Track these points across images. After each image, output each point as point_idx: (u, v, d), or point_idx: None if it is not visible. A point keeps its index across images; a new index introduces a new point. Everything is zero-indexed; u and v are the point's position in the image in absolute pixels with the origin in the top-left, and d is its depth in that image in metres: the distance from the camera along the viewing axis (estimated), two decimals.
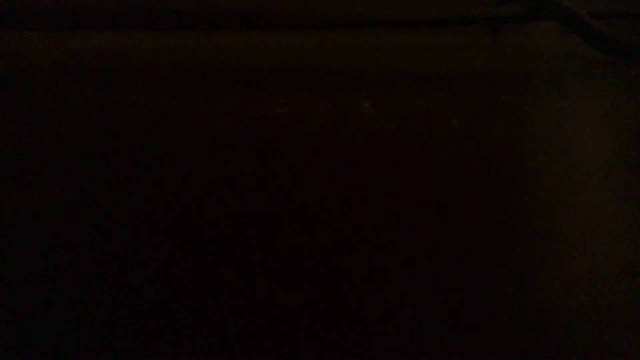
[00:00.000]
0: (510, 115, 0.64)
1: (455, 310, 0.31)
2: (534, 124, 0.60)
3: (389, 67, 0.90)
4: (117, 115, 0.63)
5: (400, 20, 0.97)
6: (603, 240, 0.38)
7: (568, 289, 0.33)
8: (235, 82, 0.79)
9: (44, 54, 0.98)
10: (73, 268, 0.35)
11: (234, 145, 0.54)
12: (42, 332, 0.29)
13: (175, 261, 0.36)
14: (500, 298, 0.32)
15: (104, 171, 0.49)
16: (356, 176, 0.48)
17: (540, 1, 0.96)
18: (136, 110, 0.65)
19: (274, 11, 0.94)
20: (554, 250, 0.37)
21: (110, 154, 0.53)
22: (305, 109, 0.65)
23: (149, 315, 0.31)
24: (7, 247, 0.38)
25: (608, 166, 0.50)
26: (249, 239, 0.38)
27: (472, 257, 0.36)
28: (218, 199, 0.44)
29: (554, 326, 0.30)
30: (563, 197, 0.44)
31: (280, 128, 0.59)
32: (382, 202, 0.43)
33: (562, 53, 1.00)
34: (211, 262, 0.35)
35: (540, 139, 0.55)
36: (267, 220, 0.40)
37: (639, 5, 1.06)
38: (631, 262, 0.35)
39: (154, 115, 0.63)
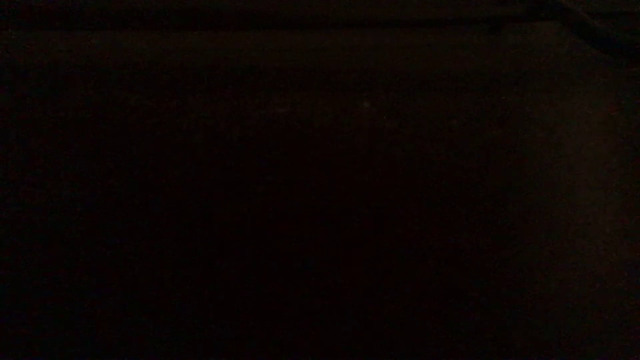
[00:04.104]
0: (510, 115, 0.64)
1: (455, 310, 0.31)
2: (534, 124, 0.61)
3: (389, 67, 0.90)
4: (117, 115, 0.63)
5: (400, 20, 0.97)
6: (603, 240, 0.38)
7: (568, 288, 0.33)
8: (235, 82, 0.79)
9: (44, 54, 0.98)
10: (72, 268, 0.35)
11: (233, 146, 0.54)
12: (42, 332, 0.29)
13: (176, 262, 0.36)
14: (500, 298, 0.32)
15: (103, 171, 0.49)
16: (356, 176, 0.48)
17: (540, 1, 0.96)
18: (136, 110, 0.65)
19: (274, 11, 0.94)
20: (554, 250, 0.37)
21: (110, 154, 0.53)
22: (305, 109, 0.65)
23: (149, 315, 0.31)
24: (7, 246, 0.38)
25: (608, 166, 0.50)
26: (249, 238, 0.38)
27: (472, 256, 0.36)
28: (218, 199, 0.44)
29: (553, 326, 0.30)
30: (563, 197, 0.44)
31: (280, 128, 0.59)
32: (382, 202, 0.43)
33: (562, 53, 1.00)
34: (212, 263, 0.35)
35: (540, 139, 0.55)
36: (267, 220, 0.40)
37: (639, 5, 1.06)
38: (631, 262, 0.35)
39: (154, 115, 0.63)
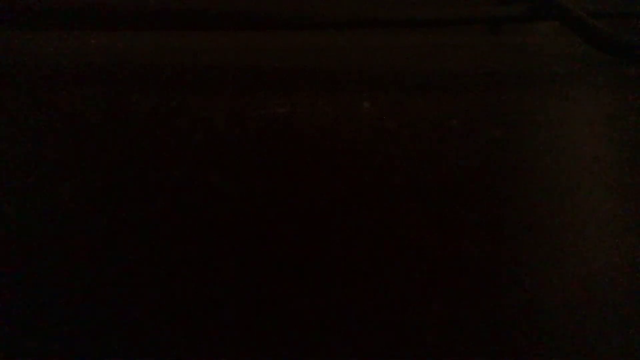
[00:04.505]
0: (510, 115, 0.64)
1: (456, 310, 0.31)
2: (534, 124, 0.61)
3: (389, 67, 0.90)
4: (117, 115, 0.64)
5: (400, 20, 0.97)
6: (603, 241, 0.38)
7: (568, 289, 0.33)
8: (235, 82, 0.79)
9: (44, 54, 0.98)
10: (72, 268, 0.35)
11: (233, 145, 0.54)
12: (42, 332, 0.29)
13: (175, 262, 0.36)
14: (500, 298, 0.32)
15: (103, 171, 0.49)
16: (356, 176, 0.48)
17: (540, 1, 0.96)
18: (136, 110, 0.65)
19: (274, 11, 0.94)
20: (554, 250, 0.37)
21: (110, 153, 0.53)
22: (305, 109, 0.65)
23: (150, 316, 0.31)
24: (7, 247, 0.38)
25: (608, 166, 0.50)
26: (248, 239, 0.38)
27: (472, 257, 0.36)
28: (217, 198, 0.44)
29: (554, 326, 0.30)
30: (563, 197, 0.44)
31: (280, 128, 0.59)
32: (382, 202, 0.43)
33: (562, 53, 1.00)
34: (211, 263, 0.35)
35: (540, 139, 0.55)
36: (266, 220, 0.40)
37: (639, 5, 1.06)
38: (631, 262, 0.35)
39: (154, 115, 0.63)
